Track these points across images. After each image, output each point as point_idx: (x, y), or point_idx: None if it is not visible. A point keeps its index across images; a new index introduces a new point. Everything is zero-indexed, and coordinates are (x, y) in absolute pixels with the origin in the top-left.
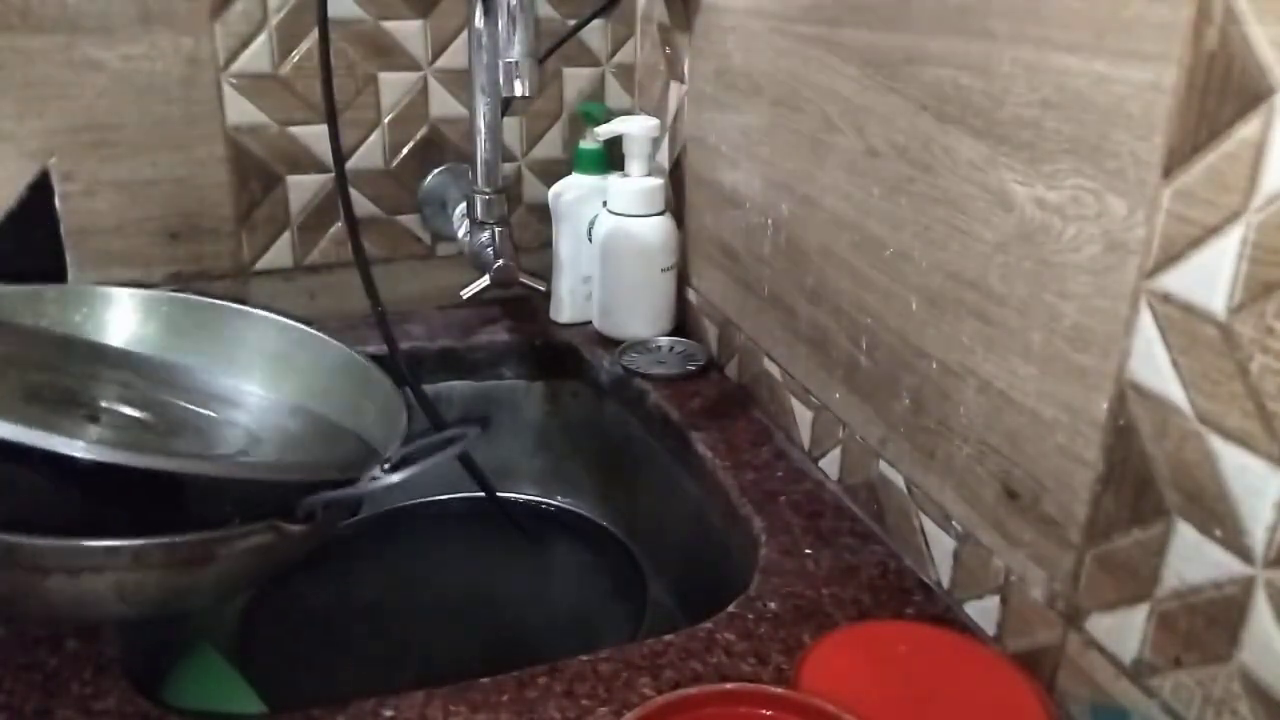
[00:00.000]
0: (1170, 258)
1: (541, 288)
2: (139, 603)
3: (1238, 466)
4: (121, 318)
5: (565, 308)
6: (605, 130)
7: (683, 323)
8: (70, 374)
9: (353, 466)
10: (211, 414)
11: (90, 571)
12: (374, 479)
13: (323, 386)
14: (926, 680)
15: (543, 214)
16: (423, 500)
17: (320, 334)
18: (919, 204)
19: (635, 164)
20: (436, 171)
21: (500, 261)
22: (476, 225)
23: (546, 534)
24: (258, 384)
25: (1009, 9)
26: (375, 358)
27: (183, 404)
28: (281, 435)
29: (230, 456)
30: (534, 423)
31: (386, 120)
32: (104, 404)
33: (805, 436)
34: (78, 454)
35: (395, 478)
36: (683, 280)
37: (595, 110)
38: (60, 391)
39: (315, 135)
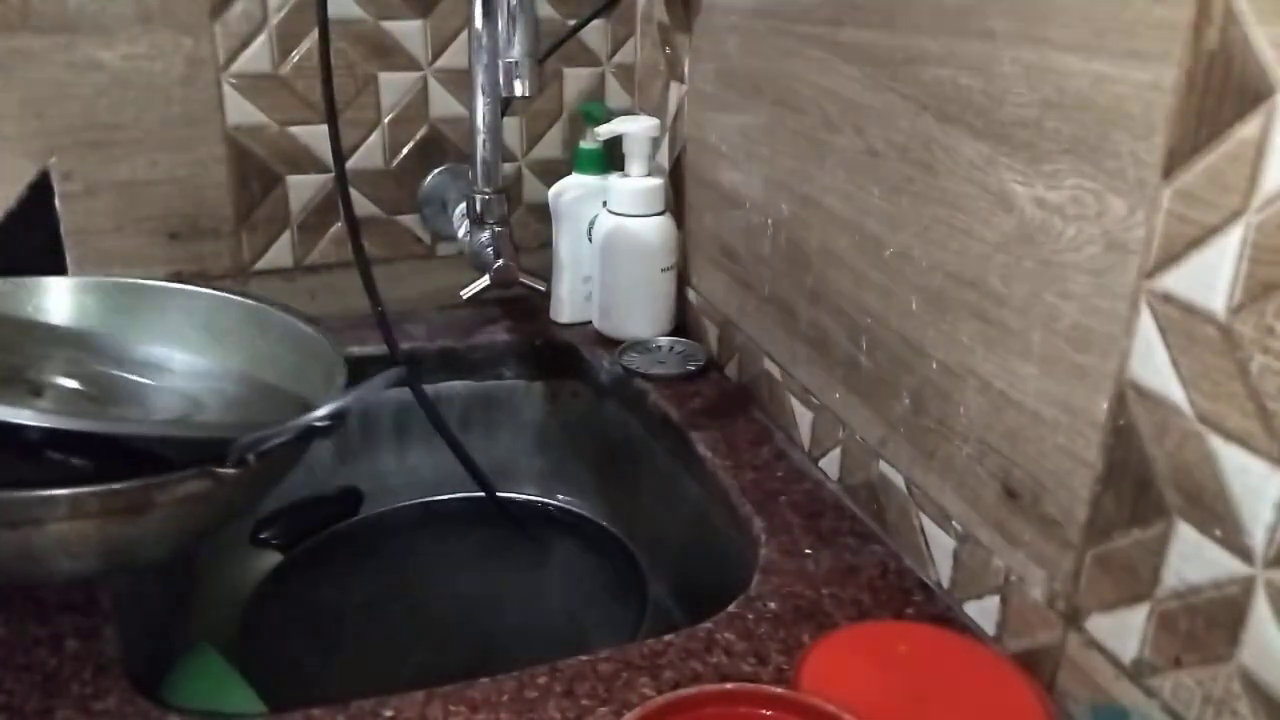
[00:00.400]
0: (1170, 258)
1: (541, 288)
2: (85, 555)
3: (1238, 466)
4: (66, 304)
5: (565, 308)
6: (605, 130)
7: (683, 323)
8: (16, 354)
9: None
10: (151, 383)
11: (30, 524)
12: (301, 420)
13: (266, 354)
14: (926, 680)
15: (543, 214)
16: (423, 500)
17: (262, 304)
18: (919, 204)
19: (635, 164)
20: (436, 171)
21: (500, 261)
22: (476, 225)
23: (546, 534)
24: (200, 354)
25: (1009, 9)
26: (375, 358)
27: (125, 375)
28: (223, 399)
29: (166, 420)
30: (534, 423)
31: (386, 120)
32: (48, 379)
33: (805, 436)
34: None
35: (322, 411)
36: (683, 280)
37: (595, 110)
38: (6, 370)
39: (315, 135)
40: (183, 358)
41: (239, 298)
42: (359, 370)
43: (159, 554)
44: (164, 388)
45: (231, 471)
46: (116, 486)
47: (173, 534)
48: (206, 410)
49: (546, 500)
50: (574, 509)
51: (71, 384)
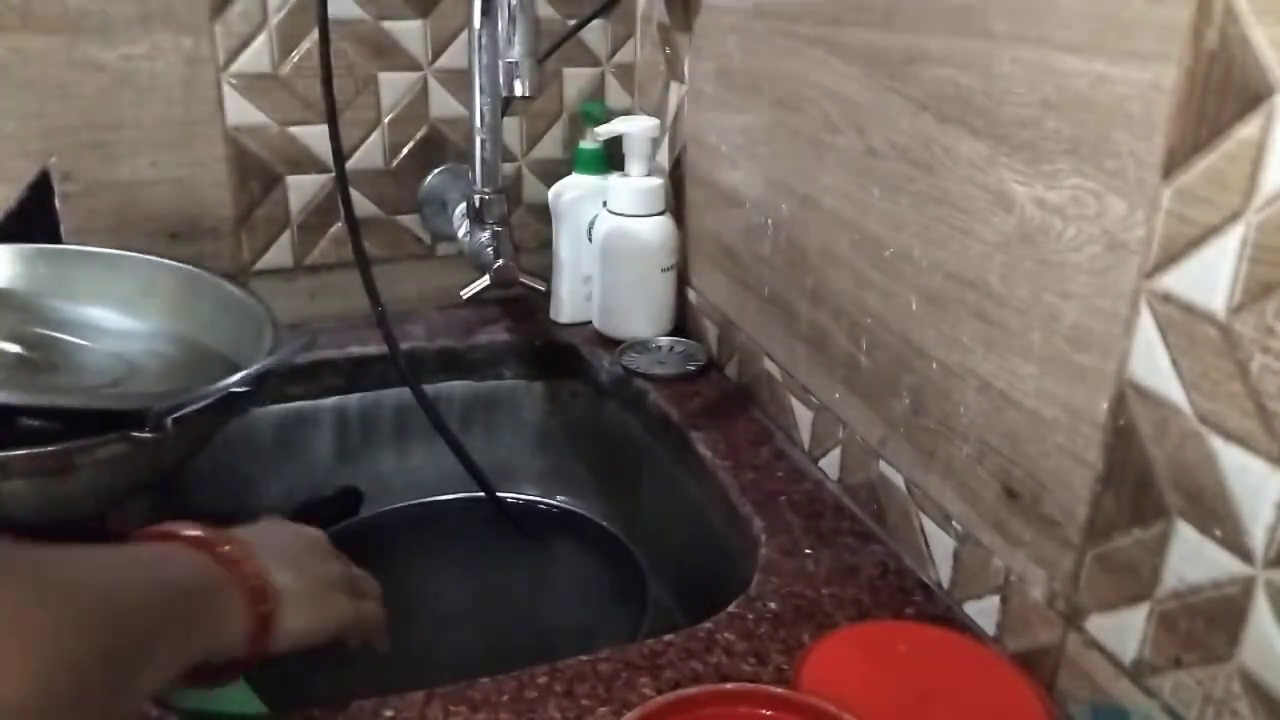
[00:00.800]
0: (1170, 258)
1: (541, 288)
2: (24, 508)
3: (1238, 466)
4: (9, 270)
5: (565, 308)
6: (605, 130)
7: (683, 323)
8: None
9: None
10: (91, 345)
11: None
12: (216, 386)
13: (202, 318)
14: (926, 680)
15: (543, 214)
16: (423, 500)
17: (199, 270)
18: (919, 204)
19: (635, 164)
20: (436, 171)
21: (500, 261)
22: (476, 225)
23: (546, 534)
24: (138, 318)
25: (1009, 9)
26: (376, 358)
27: (65, 338)
28: (160, 362)
29: (83, 389)
30: (534, 423)
31: (386, 120)
32: None
33: (805, 436)
34: None
35: (238, 376)
36: (683, 280)
37: (595, 110)
38: None
39: (315, 135)
40: (122, 321)
41: (175, 263)
42: (360, 369)
43: (90, 508)
44: (103, 350)
45: (148, 436)
46: (38, 450)
47: (100, 491)
48: (142, 371)
49: (546, 500)
50: (574, 509)
51: (13, 348)
